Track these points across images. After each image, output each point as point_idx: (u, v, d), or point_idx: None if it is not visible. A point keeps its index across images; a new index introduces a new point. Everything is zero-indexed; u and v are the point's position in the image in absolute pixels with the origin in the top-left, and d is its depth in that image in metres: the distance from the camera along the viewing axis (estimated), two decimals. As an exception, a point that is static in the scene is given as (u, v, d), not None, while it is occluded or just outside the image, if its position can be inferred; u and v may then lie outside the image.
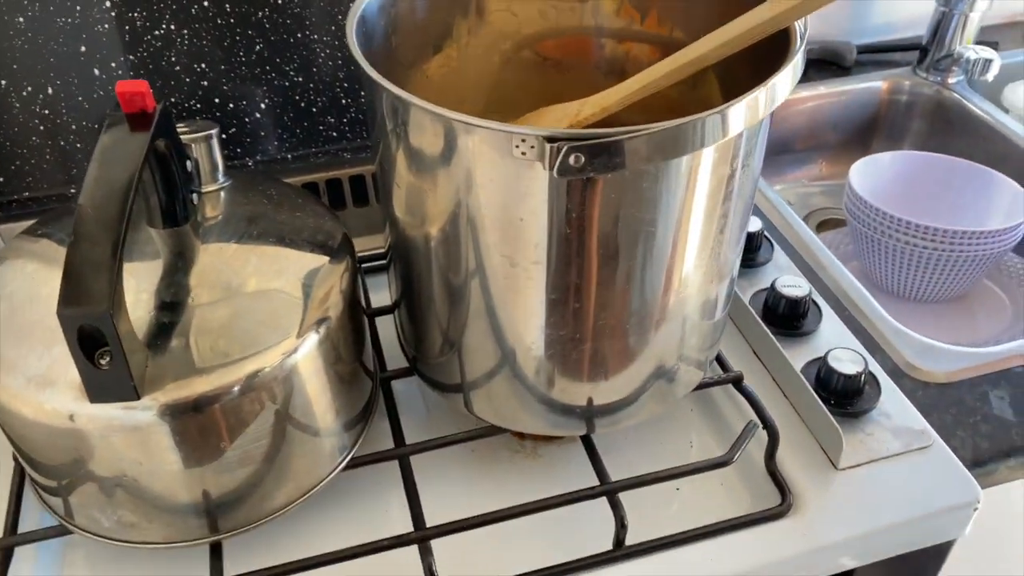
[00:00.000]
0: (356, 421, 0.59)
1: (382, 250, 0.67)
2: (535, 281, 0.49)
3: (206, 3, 0.71)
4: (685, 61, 0.53)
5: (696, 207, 0.48)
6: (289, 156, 0.77)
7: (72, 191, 0.73)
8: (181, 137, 0.54)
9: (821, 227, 1.10)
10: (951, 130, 1.08)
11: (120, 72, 0.71)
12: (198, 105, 0.73)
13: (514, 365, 0.55)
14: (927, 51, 1.08)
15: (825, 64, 1.13)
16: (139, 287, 0.50)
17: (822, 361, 0.64)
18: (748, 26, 0.50)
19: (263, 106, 0.75)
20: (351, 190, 0.78)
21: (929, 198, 0.99)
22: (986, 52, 0.96)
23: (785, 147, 1.11)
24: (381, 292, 0.73)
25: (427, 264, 0.54)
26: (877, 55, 1.14)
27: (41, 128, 0.71)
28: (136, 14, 0.69)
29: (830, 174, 1.14)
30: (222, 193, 0.58)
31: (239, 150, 0.76)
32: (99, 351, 0.44)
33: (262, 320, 0.51)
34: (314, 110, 0.76)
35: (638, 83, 0.56)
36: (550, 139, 0.42)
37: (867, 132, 1.13)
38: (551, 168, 0.42)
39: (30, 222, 0.70)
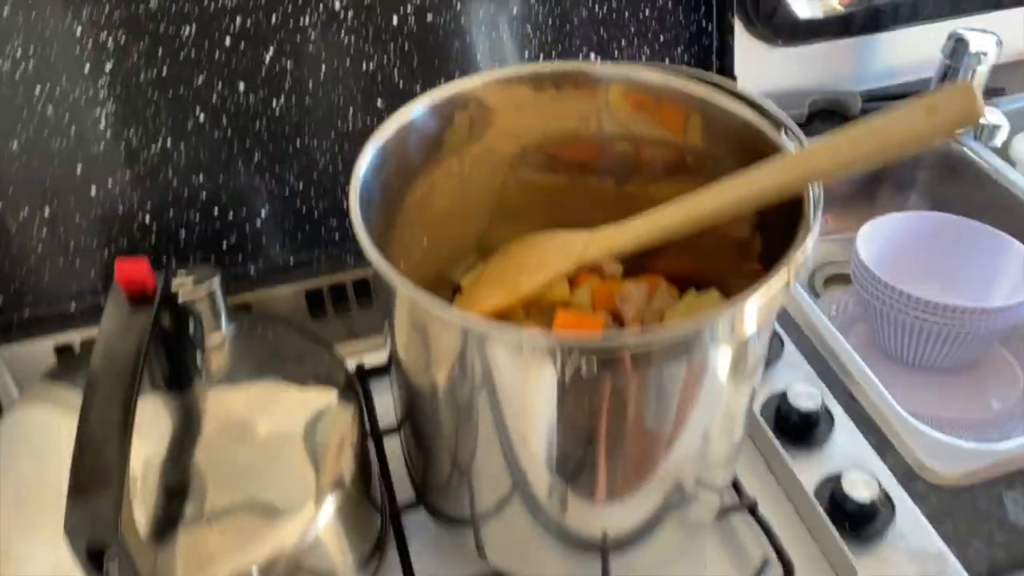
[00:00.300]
0: (366, 561, 0.59)
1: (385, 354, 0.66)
2: (544, 455, 0.49)
3: (202, 118, 0.69)
4: (696, 215, 0.52)
5: (707, 386, 0.47)
6: (291, 260, 0.76)
7: (73, 308, 0.72)
8: (182, 291, 0.54)
9: (828, 283, 1.09)
10: (958, 183, 1.07)
11: (118, 190, 0.69)
12: (197, 216, 0.72)
13: (525, 511, 0.54)
14: (934, 102, 1.06)
15: (829, 114, 1.11)
16: (146, 463, 0.50)
17: (836, 483, 0.63)
18: (762, 186, 0.49)
19: (263, 213, 0.74)
20: (355, 293, 0.77)
21: (938, 260, 0.98)
22: (993, 116, 0.94)
23: (791, 202, 1.10)
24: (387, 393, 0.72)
25: (433, 409, 0.53)
26: (883, 103, 1.13)
27: (39, 249, 0.70)
28: (131, 132, 0.68)
29: (836, 228, 1.12)
30: (226, 343, 0.57)
31: (240, 257, 0.75)
32: (107, 554, 0.43)
33: (275, 491, 0.51)
34: (315, 215, 0.75)
35: (646, 227, 0.55)
36: (562, 346, 0.41)
37: (873, 184, 1.12)
38: (562, 372, 0.42)
39: (32, 341, 0.70)
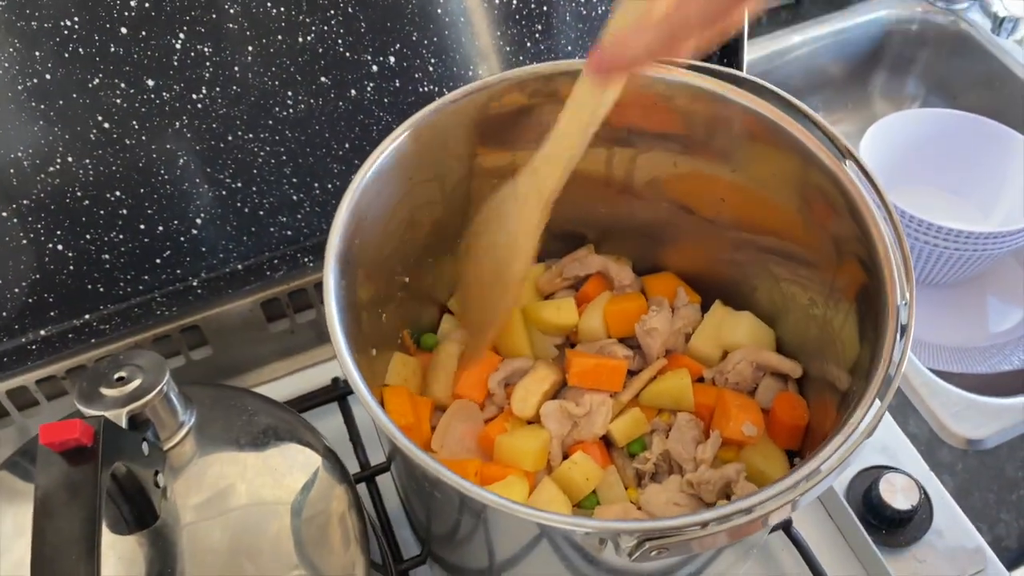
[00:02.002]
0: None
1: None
2: None
3: (107, 125, 0.56)
4: None
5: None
6: (240, 267, 0.65)
7: (-14, 350, 0.61)
8: (130, 408, 0.44)
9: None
10: (959, 62, 0.97)
11: (15, 220, 0.57)
12: (120, 236, 0.60)
13: (553, 552, 0.48)
14: (938, -29, 0.94)
15: (821, -12, 0.99)
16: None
17: (872, 487, 0.59)
18: None
19: (199, 221, 0.62)
20: (318, 296, 0.67)
21: (945, 158, 0.91)
22: (1015, 5, 0.83)
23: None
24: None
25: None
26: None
27: (-68, 296, 0.58)
28: (20, 153, 0.55)
29: (832, 120, 1.03)
30: (188, 439, 0.48)
31: (179, 272, 0.64)
32: None
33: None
34: (261, 213, 0.64)
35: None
36: (628, 534, 0.34)
37: (869, 63, 1.01)
38: (629, 556, 0.34)
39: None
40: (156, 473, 0.45)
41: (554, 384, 0.53)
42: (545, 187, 0.48)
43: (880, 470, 0.61)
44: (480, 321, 0.54)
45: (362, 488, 0.60)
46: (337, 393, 0.65)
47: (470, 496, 0.35)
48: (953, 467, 0.66)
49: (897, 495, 0.58)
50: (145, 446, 0.44)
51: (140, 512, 0.44)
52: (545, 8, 0.63)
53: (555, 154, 0.47)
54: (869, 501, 0.59)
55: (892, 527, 0.59)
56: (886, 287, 0.40)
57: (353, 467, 0.60)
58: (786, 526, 0.59)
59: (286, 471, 0.50)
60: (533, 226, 0.49)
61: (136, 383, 0.45)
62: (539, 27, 0.64)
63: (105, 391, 0.45)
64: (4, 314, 0.61)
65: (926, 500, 0.60)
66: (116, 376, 0.45)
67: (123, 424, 0.44)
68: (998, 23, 0.84)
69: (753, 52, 0.94)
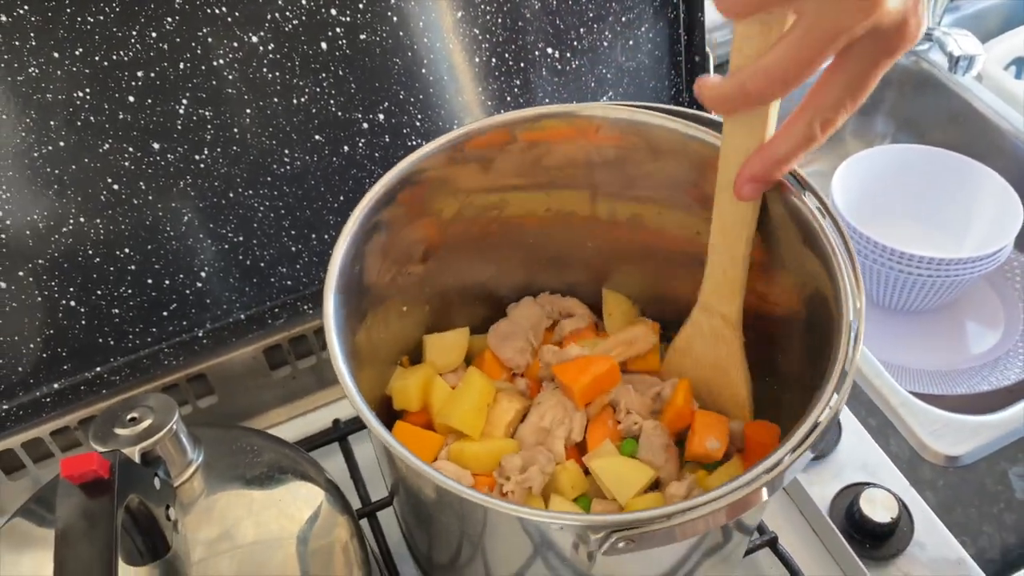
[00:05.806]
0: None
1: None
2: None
3: (116, 187, 0.60)
4: None
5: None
6: (243, 317, 0.69)
7: (3, 408, 0.64)
8: (142, 446, 0.47)
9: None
10: (927, 103, 1.02)
11: (31, 279, 0.60)
12: (129, 291, 0.64)
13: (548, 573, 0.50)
14: (897, 15, 0.99)
15: (789, 37, 1.04)
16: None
17: (853, 502, 0.62)
18: None
19: (203, 274, 0.66)
20: (318, 341, 0.70)
21: (916, 193, 0.95)
22: (968, 44, 0.88)
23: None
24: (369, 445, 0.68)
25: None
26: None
27: (-48, 354, 0.61)
28: (35, 216, 0.59)
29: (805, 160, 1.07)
30: (196, 476, 0.51)
31: (185, 323, 0.67)
32: None
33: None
34: (262, 264, 0.67)
35: None
36: (594, 528, 0.36)
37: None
38: (599, 548, 0.37)
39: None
40: (167, 507, 0.48)
41: (519, 411, 0.57)
42: (730, 316, 0.53)
43: (861, 487, 0.63)
44: None
45: (364, 525, 0.63)
46: (338, 434, 0.68)
47: (464, 498, 0.38)
48: (935, 484, 0.68)
49: (877, 509, 0.61)
50: (157, 481, 0.47)
51: (153, 544, 0.47)
52: (522, 64, 0.68)
53: (724, 282, 0.51)
54: (851, 516, 0.62)
55: (874, 540, 0.61)
56: (841, 300, 0.43)
57: (355, 504, 0.63)
58: (772, 543, 0.61)
59: (291, 504, 0.53)
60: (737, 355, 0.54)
61: (147, 423, 0.48)
62: (518, 82, 0.68)
63: (118, 431, 0.48)
64: (20, 369, 0.64)
65: (906, 513, 0.63)
66: (128, 417, 0.48)
67: (136, 460, 0.47)
68: (954, 62, 0.88)
69: (727, 98, 0.98)
